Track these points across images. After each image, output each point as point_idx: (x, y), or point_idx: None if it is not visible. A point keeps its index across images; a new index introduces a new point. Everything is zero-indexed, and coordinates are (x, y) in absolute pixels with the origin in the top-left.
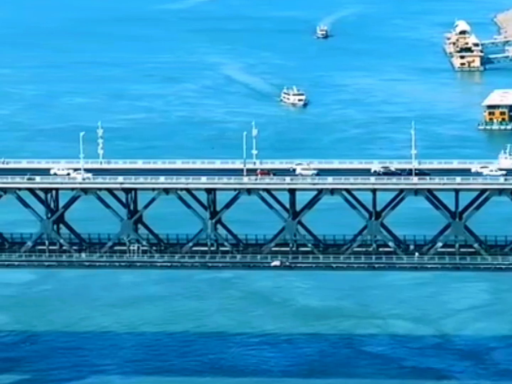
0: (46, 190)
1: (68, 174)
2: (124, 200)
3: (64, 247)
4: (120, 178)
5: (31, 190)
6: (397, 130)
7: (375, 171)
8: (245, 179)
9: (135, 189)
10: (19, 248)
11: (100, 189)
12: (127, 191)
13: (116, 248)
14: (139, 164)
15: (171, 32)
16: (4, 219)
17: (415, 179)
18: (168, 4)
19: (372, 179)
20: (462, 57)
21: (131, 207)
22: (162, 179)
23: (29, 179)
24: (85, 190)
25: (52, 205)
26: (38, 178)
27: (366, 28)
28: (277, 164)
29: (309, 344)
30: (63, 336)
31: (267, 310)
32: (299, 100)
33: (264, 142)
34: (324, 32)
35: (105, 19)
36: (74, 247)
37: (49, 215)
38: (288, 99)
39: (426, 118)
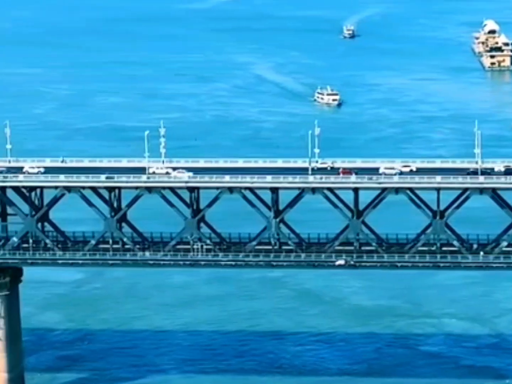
0: (110, 189)
1: (167, 173)
2: (188, 199)
3: (127, 246)
4: (186, 177)
5: (94, 189)
6: (433, 130)
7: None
8: (311, 178)
9: (199, 188)
10: (83, 246)
11: (164, 187)
12: (191, 189)
13: (179, 247)
14: (201, 163)
15: (196, 31)
16: (67, 217)
17: (481, 178)
18: (191, 3)
19: (438, 178)
20: (492, 56)
21: (195, 206)
22: (227, 178)
23: (107, 177)
24: (149, 189)
25: (115, 204)
26: (102, 177)
27: (391, 27)
28: (339, 163)
29: (365, 343)
30: (118, 335)
31: (320, 309)
32: (333, 100)
33: (301, 141)
34: (351, 32)
35: (129, 18)
36: (138, 246)
37: (113, 213)
38: (322, 99)
39: (461, 118)
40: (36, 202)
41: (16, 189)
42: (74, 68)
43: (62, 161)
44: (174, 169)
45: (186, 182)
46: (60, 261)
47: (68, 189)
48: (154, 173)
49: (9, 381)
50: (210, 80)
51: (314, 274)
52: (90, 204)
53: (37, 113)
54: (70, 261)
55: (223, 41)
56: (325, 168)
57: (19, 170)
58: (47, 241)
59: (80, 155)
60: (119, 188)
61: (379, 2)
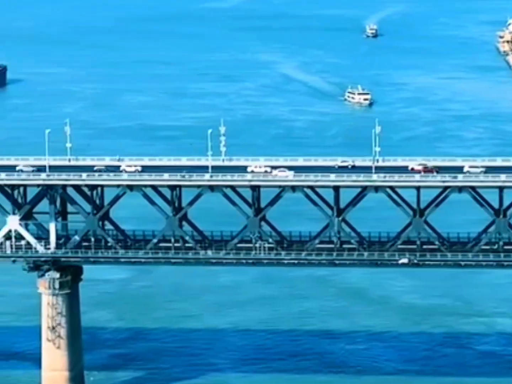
0: (172, 187)
1: (266, 171)
2: (250, 197)
3: (188, 244)
4: (249, 176)
5: (155, 188)
6: (465, 128)
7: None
8: (374, 176)
9: (260, 186)
10: (143, 245)
11: (226, 186)
12: (254, 188)
13: (241, 245)
14: (262, 162)
15: (218, 30)
16: (127, 215)
17: None
18: (211, 3)
19: (503, 177)
20: None
21: (256, 205)
22: (290, 176)
23: (183, 176)
24: (212, 188)
25: (176, 203)
26: (166, 175)
27: (413, 27)
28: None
29: (418, 342)
30: (170, 333)
31: (370, 308)
32: (365, 99)
33: (334, 140)
34: (373, 31)
35: (150, 18)
36: (199, 245)
37: (174, 212)
38: (353, 98)
39: (491, 116)
40: (97, 200)
41: (77, 187)
42: (100, 67)
43: (119, 160)
44: (275, 167)
45: (250, 180)
46: (122, 260)
47: (131, 187)
48: (252, 171)
49: (70, 380)
50: (237, 79)
51: (360, 272)
52: (152, 202)
53: (67, 112)
54: (133, 260)
55: (246, 40)
56: (346, 167)
57: (117, 169)
58: (109, 239)
59: (117, 154)
60: (181, 186)
61: (398, 1)
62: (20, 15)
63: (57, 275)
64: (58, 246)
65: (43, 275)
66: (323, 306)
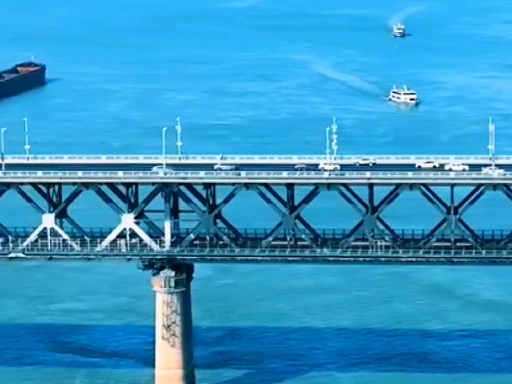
0: (288, 186)
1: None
2: (367, 195)
3: (304, 242)
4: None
5: (267, 186)
6: None
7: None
8: (410, 174)
9: (373, 184)
10: (256, 243)
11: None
12: (371, 186)
13: (358, 243)
14: (319, 160)
15: (242, 30)
16: (241, 213)
17: None
18: (230, 2)
19: None
20: None
21: (374, 203)
22: (409, 174)
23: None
24: (329, 186)
25: (292, 201)
26: (284, 173)
27: (438, 26)
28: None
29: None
30: (267, 332)
31: (458, 304)
32: (411, 99)
33: (384, 138)
34: (401, 31)
35: (171, 17)
36: (315, 243)
37: (289, 211)
38: (398, 98)
39: None
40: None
41: (189, 186)
42: (134, 66)
43: (222, 158)
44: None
45: (369, 178)
46: (239, 258)
47: (247, 186)
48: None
49: (184, 378)
50: (273, 79)
51: (441, 270)
52: (268, 201)
53: (111, 111)
54: (249, 258)
55: (273, 39)
56: (367, 164)
57: (315, 167)
58: (224, 238)
59: (175, 152)
60: (293, 184)
61: (418, 0)
62: (39, 15)
63: (172, 273)
64: (172, 244)
65: (157, 273)
66: (411, 303)
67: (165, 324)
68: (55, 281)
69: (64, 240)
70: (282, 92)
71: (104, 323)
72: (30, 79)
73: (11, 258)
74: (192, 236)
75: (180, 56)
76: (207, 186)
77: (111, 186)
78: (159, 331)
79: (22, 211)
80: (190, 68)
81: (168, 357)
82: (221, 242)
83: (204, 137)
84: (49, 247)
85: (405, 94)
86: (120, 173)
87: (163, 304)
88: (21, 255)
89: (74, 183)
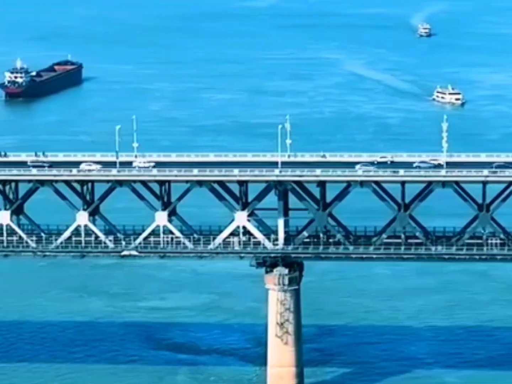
0: (403, 183)
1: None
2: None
3: (417, 240)
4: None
5: (378, 184)
6: None
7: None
8: (443, 172)
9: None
10: (366, 241)
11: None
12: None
13: (472, 241)
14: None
15: (265, 29)
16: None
17: None
18: (249, 2)
19: None
20: None
21: (486, 201)
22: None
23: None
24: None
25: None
26: (401, 171)
27: (462, 25)
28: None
29: None
30: (362, 329)
31: None
32: (457, 99)
33: (434, 136)
34: (427, 30)
35: (193, 16)
36: (429, 240)
37: (402, 209)
38: (443, 98)
39: None
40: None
41: (299, 183)
42: (167, 65)
43: (323, 156)
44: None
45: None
46: (353, 256)
47: (362, 183)
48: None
49: (296, 376)
50: (308, 77)
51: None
52: (382, 199)
53: (153, 110)
54: (364, 255)
55: (299, 39)
56: (385, 162)
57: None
58: (338, 235)
59: (224, 151)
60: (404, 182)
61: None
62: (60, 14)
63: (286, 271)
64: (285, 242)
65: (271, 271)
66: (491, 299)
67: (278, 322)
68: (134, 278)
69: (172, 238)
70: (321, 91)
71: (196, 320)
72: (67, 77)
73: (123, 256)
74: (305, 233)
75: (210, 55)
76: (321, 183)
77: (222, 184)
78: (272, 329)
79: (135, 209)
80: (222, 67)
81: (281, 355)
82: (330, 240)
83: (255, 136)
84: (162, 245)
85: (450, 94)
86: (236, 171)
87: (277, 302)
88: (134, 252)
89: (187, 181)
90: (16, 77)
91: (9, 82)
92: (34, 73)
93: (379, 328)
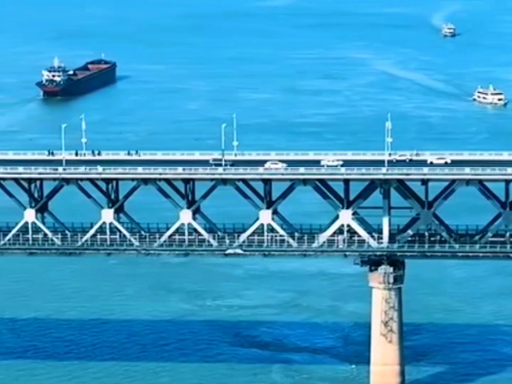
0: (508, 182)
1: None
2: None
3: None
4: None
5: (481, 182)
6: None
7: None
8: (467, 169)
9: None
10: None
11: None
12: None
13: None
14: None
15: (287, 28)
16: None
17: None
18: (266, 1)
19: None
20: None
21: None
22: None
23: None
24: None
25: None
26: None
27: (484, 25)
28: None
29: None
30: (443, 327)
31: None
32: (499, 99)
33: (480, 135)
34: (452, 30)
35: (213, 15)
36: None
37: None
38: (484, 98)
39: None
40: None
41: (402, 182)
42: (196, 64)
43: (417, 154)
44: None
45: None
46: (459, 254)
47: (468, 182)
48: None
49: (400, 374)
50: (340, 77)
51: None
52: (405, 197)
53: (192, 109)
54: (470, 254)
55: (325, 38)
56: (404, 161)
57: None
58: (443, 234)
59: (270, 149)
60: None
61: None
62: (78, 13)
63: (391, 269)
64: (390, 240)
65: (375, 269)
66: None
67: (383, 320)
68: (207, 276)
69: (272, 237)
70: (356, 90)
71: (280, 318)
72: (102, 76)
73: (227, 254)
74: (410, 232)
75: (238, 55)
76: (425, 182)
77: (323, 182)
78: (377, 327)
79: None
80: (252, 66)
81: (385, 353)
82: (432, 238)
83: (299, 134)
84: (266, 244)
85: (492, 94)
86: (343, 169)
87: (382, 300)
88: (239, 251)
89: (292, 180)
90: (54, 76)
91: (47, 80)
92: (71, 72)
93: (474, 328)
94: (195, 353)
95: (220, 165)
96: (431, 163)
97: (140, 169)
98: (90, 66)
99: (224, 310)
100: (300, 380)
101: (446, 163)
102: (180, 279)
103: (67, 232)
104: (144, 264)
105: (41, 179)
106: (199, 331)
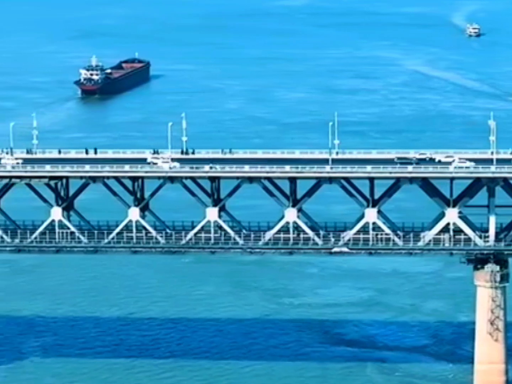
0: None
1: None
2: None
3: None
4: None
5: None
6: None
7: None
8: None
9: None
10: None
11: None
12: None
13: None
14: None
15: (308, 27)
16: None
17: None
18: (283, 1)
19: None
20: None
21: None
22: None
23: None
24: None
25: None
26: None
27: (507, 24)
28: None
29: None
30: None
31: None
32: None
33: None
34: (476, 30)
35: (232, 15)
36: None
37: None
38: None
39: None
40: None
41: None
42: (226, 64)
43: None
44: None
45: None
46: None
47: None
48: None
49: (505, 373)
50: (372, 76)
51: None
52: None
53: (232, 108)
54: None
55: (349, 38)
56: (424, 159)
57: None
58: None
59: (317, 148)
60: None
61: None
62: (97, 13)
63: (497, 268)
64: (497, 238)
65: (481, 268)
66: None
67: (489, 319)
68: (281, 274)
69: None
70: (391, 89)
71: (366, 316)
72: (136, 75)
73: (332, 253)
74: None
75: (265, 54)
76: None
77: (427, 182)
78: (482, 326)
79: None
80: (282, 65)
81: (491, 352)
82: None
83: (343, 133)
84: (371, 242)
85: None
86: (451, 168)
87: (488, 298)
88: (345, 249)
89: (393, 177)
90: (92, 75)
91: (85, 79)
92: (108, 71)
93: None
94: (285, 351)
95: (409, 163)
96: (439, 161)
97: (246, 168)
98: (124, 65)
99: (306, 308)
100: (396, 378)
101: (454, 161)
102: (257, 277)
103: (167, 230)
104: (217, 262)
105: (143, 178)
106: (286, 329)
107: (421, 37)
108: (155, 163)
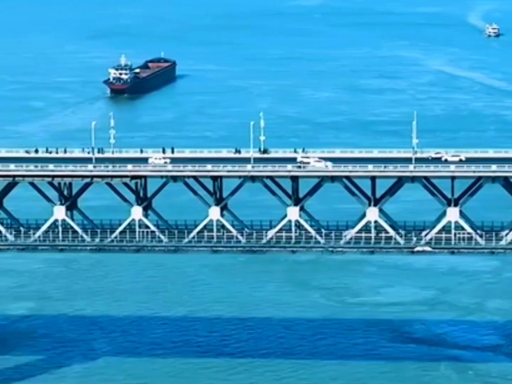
0: None
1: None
2: None
3: None
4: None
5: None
6: None
7: None
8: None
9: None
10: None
11: None
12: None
13: None
14: None
15: (327, 27)
16: None
17: None
18: (297, 1)
19: None
20: None
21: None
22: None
23: None
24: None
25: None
26: None
27: None
28: None
29: None
30: None
31: None
32: None
33: None
34: (496, 31)
35: (248, 15)
36: None
37: None
38: None
39: None
40: None
41: None
42: (251, 64)
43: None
44: None
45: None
46: None
47: None
48: None
49: None
50: (396, 76)
51: None
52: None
53: (262, 107)
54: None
55: (368, 37)
56: (439, 158)
57: None
58: None
59: (353, 147)
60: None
61: None
62: (113, 13)
63: None
64: None
65: None
66: None
67: None
68: (339, 273)
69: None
70: (418, 89)
71: (432, 315)
72: (163, 74)
73: (414, 252)
74: None
75: (286, 54)
76: None
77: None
78: None
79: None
80: (304, 65)
81: None
82: None
83: (376, 133)
84: (453, 241)
85: None
86: (494, 167)
87: None
88: (428, 248)
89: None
90: (121, 74)
91: (114, 78)
92: (137, 70)
93: None
94: (355, 349)
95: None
96: (446, 160)
97: (329, 166)
98: (150, 64)
99: (371, 307)
100: (471, 376)
101: (460, 160)
102: (316, 276)
103: (246, 229)
104: (272, 261)
105: (227, 177)
106: (353, 328)
107: (440, 37)
108: (307, 163)
